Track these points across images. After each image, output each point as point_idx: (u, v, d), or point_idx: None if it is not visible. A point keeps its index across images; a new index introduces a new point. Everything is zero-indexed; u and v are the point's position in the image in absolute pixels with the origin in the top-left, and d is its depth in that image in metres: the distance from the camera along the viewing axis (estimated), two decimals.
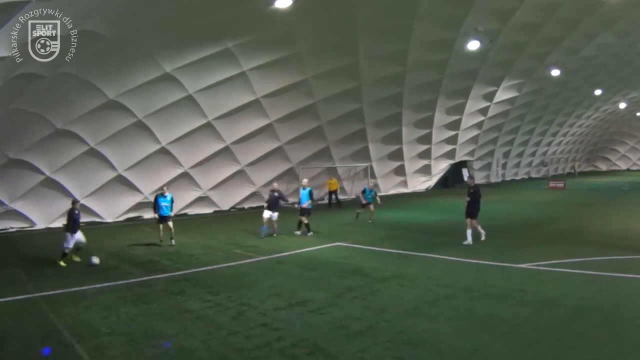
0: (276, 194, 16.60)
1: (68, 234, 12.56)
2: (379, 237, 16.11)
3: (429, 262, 12.28)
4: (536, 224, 18.39)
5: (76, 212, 12.77)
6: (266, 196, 17.70)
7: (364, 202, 19.57)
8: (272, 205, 16.41)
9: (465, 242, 14.03)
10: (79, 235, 12.78)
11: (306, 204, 16.60)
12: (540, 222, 18.67)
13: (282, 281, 10.57)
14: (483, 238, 14.39)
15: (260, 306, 8.71)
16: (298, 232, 16.61)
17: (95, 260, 12.31)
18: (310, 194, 16.84)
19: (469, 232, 14.11)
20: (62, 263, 12.38)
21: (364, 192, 19.82)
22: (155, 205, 15.24)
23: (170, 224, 15.11)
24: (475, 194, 14.24)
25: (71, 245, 12.56)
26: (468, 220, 14.15)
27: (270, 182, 25.25)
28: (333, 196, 26.79)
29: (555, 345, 6.81)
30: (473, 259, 12.17)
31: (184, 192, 22.47)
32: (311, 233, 16.46)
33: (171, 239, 15.06)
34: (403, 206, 25.79)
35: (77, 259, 12.81)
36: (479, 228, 14.44)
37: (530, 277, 10.50)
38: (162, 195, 15.29)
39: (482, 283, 10.00)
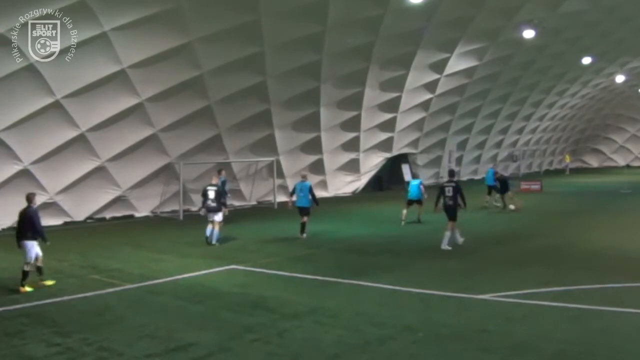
0: (215, 187, 20.08)
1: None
2: (289, 257, 18.01)
3: (357, 292, 13.56)
4: (502, 239, 20.54)
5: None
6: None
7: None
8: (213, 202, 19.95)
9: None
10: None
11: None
12: (508, 238, 20.84)
13: (157, 318, 11.63)
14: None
15: (128, 352, 9.57)
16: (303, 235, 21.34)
17: None
18: (311, 190, 21.16)
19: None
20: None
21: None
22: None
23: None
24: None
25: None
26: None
27: (141, 183, 27.30)
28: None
29: None
30: (417, 288, 13.51)
31: (23, 197, 23.47)
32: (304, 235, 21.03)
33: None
34: (321, 215, 27.00)
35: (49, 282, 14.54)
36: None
37: (494, 312, 11.63)
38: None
39: (429, 320, 11.12)
